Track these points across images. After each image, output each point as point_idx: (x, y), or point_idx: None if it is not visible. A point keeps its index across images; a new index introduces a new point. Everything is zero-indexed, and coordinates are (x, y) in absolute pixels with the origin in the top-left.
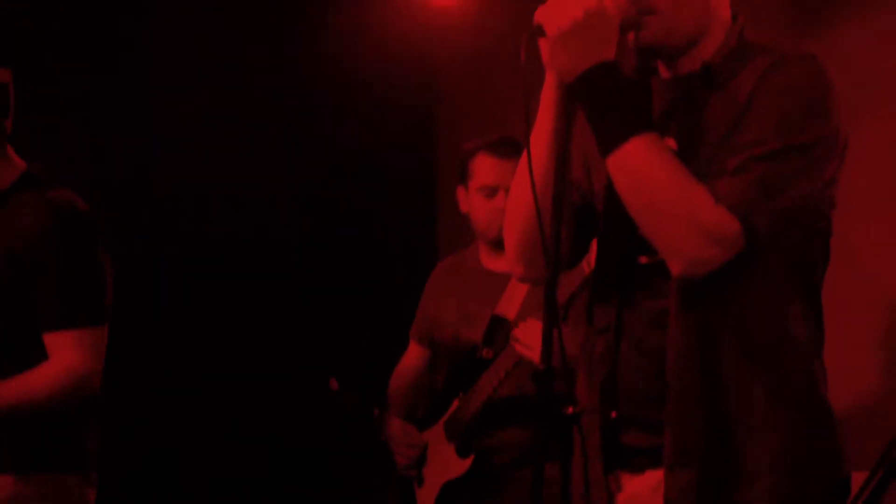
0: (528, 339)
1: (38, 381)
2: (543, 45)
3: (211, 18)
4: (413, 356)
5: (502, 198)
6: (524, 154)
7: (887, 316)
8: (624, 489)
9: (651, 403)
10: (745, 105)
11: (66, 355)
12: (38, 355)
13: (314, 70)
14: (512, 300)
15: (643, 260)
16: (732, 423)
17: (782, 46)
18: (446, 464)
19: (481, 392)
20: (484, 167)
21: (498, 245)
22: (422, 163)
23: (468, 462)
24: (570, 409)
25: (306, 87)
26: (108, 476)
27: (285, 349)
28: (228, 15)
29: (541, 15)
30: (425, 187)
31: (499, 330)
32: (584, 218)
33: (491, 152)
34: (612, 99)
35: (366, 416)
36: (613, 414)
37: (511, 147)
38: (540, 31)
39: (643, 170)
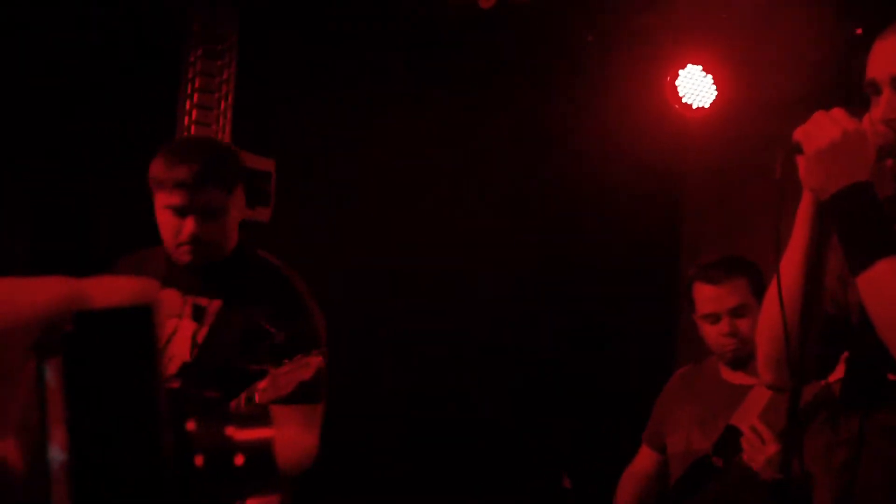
0: (753, 450)
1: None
2: (800, 163)
3: (462, 129)
4: (644, 460)
5: (726, 323)
6: (779, 266)
7: None
8: None
9: None
10: None
11: (296, 431)
12: None
13: (563, 177)
14: (749, 412)
15: (891, 377)
16: None
17: None
18: None
19: (709, 499)
20: (702, 296)
21: (735, 364)
22: (665, 270)
23: None
24: None
25: (554, 194)
26: None
27: (523, 447)
28: (481, 122)
29: (800, 133)
30: (668, 295)
31: (732, 440)
32: (837, 329)
33: (706, 280)
34: (864, 219)
35: None
36: None
37: (728, 269)
38: (798, 149)
39: (892, 290)
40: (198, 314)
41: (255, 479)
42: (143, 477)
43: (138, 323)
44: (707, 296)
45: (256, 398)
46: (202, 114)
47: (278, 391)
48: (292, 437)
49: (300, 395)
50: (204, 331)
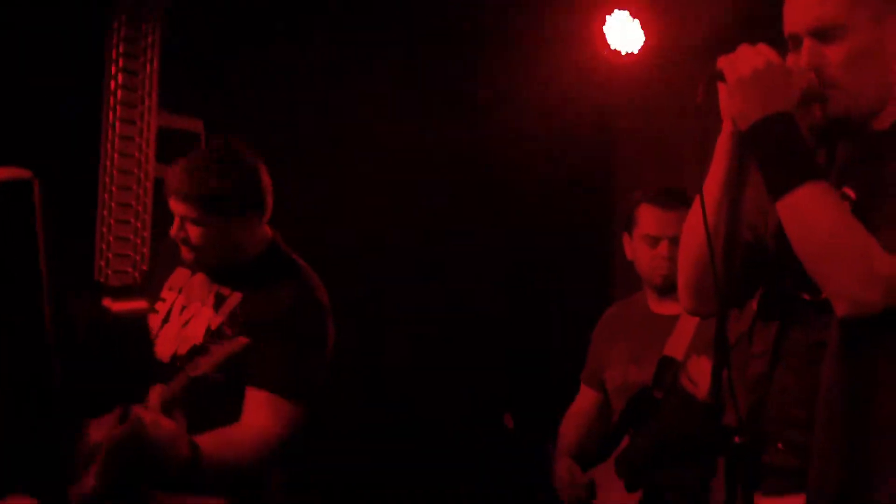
0: (696, 376)
1: (231, 443)
2: (722, 91)
3: (405, 78)
4: (584, 399)
5: (665, 246)
6: (699, 194)
7: None
8: None
9: (798, 428)
10: None
11: (259, 417)
12: (238, 405)
13: (499, 122)
14: (679, 341)
15: (806, 297)
16: (874, 460)
17: None
18: (616, 499)
19: (651, 431)
20: (647, 217)
21: (662, 291)
22: (599, 211)
23: (637, 497)
24: (738, 440)
25: (490, 138)
26: None
27: (462, 388)
28: (421, 74)
29: (723, 62)
30: (602, 235)
31: (668, 370)
32: (757, 257)
33: (654, 203)
34: (784, 146)
35: (538, 452)
36: (780, 445)
37: (675, 198)
38: (720, 76)
39: (812, 215)
40: (218, 303)
41: (130, 347)
42: (27, 344)
43: (17, 195)
44: (653, 217)
45: (193, 371)
46: (128, 78)
47: (209, 361)
48: (256, 421)
49: (274, 384)
50: (218, 319)
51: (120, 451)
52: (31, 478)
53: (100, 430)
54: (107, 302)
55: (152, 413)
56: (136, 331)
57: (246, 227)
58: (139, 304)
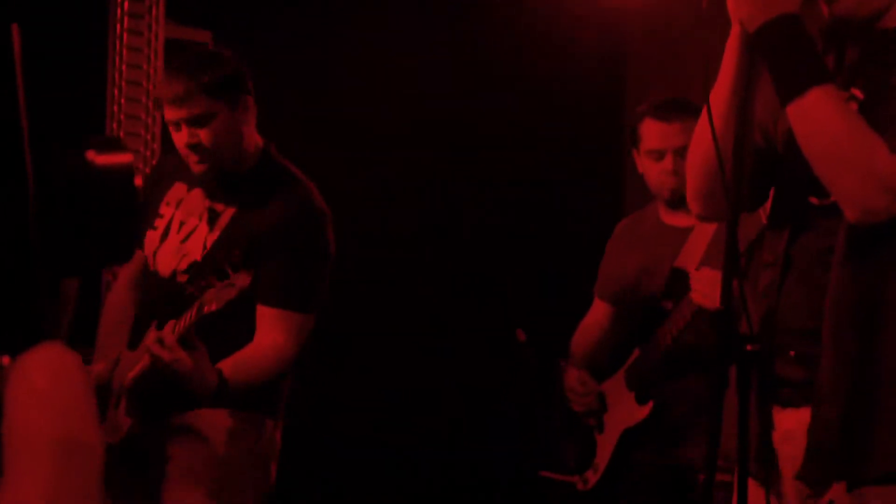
0: (705, 288)
1: (251, 362)
2: None
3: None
4: (597, 313)
5: (670, 160)
6: (709, 96)
7: None
8: (778, 426)
9: (809, 338)
10: None
11: (272, 333)
12: (250, 321)
13: (509, 36)
14: (692, 253)
15: (814, 201)
16: (883, 367)
17: None
18: (626, 411)
19: (661, 342)
20: (650, 131)
21: (672, 204)
22: (611, 124)
23: (647, 409)
24: (750, 347)
25: (500, 51)
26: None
27: (474, 303)
28: None
29: None
30: (613, 148)
31: (679, 282)
32: (768, 160)
33: (656, 117)
34: (792, 50)
35: (550, 367)
36: (792, 353)
37: (677, 109)
38: None
39: (822, 119)
40: (212, 218)
41: (113, 199)
42: (10, 193)
43: None
44: (655, 131)
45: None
46: None
47: (222, 297)
48: (271, 339)
49: (281, 300)
50: (214, 236)
51: (145, 386)
52: (10, 336)
53: (113, 368)
54: (90, 154)
55: (173, 352)
56: (122, 184)
57: (249, 114)
58: (124, 157)
